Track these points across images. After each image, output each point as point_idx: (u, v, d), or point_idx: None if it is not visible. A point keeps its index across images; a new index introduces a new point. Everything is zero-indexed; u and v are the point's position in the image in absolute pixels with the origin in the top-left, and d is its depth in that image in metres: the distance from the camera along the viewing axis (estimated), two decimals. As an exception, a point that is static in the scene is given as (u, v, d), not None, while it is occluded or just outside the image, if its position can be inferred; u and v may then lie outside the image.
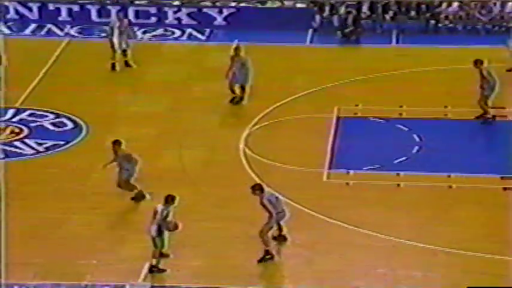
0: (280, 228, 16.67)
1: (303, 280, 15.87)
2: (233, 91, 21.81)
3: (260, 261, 16.14)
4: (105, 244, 16.76)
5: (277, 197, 16.42)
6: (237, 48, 21.77)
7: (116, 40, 23.71)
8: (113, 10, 27.53)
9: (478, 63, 20.75)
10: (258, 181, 18.64)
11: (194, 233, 17.07)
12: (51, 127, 21.44)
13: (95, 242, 16.78)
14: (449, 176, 18.96)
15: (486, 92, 20.75)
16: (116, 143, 18.08)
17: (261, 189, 16.18)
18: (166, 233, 15.94)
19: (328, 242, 16.85)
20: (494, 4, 26.93)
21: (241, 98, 21.81)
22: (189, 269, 16.13)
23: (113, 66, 23.87)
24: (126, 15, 25.68)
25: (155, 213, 15.90)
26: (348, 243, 16.75)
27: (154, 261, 15.93)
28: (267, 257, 16.18)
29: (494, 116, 20.87)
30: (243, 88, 21.83)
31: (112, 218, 17.66)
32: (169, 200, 15.98)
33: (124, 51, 24.01)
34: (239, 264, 16.22)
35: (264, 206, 16.09)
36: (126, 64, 24.07)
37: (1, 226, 15.89)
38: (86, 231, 17.13)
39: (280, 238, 16.71)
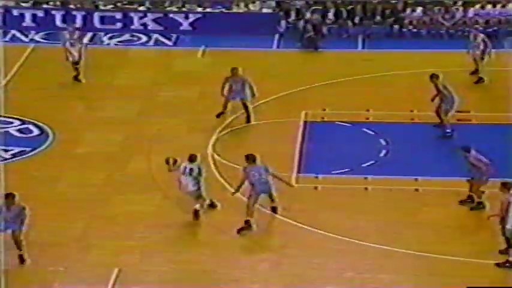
0: (272, 199, 17.57)
1: (271, 284, 15.90)
2: (225, 107, 21.53)
3: (239, 231, 17.06)
4: (72, 251, 16.65)
5: (266, 169, 17.34)
6: (234, 69, 21.42)
7: (70, 52, 23.34)
8: (78, 15, 27.39)
9: (433, 77, 20.71)
10: (226, 186, 18.71)
11: (162, 238, 17.04)
12: (16, 134, 21.26)
13: (62, 249, 16.66)
14: (416, 180, 19.11)
15: (446, 105, 20.65)
16: None
17: (254, 160, 17.32)
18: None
19: (296, 246, 16.90)
20: (457, 9, 27.24)
21: (223, 113, 21.40)
22: (156, 274, 16.08)
23: (76, 78, 23.42)
24: (77, 27, 25.01)
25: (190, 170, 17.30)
26: (316, 247, 16.81)
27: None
28: (245, 226, 17.03)
29: (453, 132, 20.66)
30: (245, 105, 21.26)
31: (79, 224, 17.54)
32: (193, 158, 17.37)
33: (76, 63, 23.44)
34: (208, 269, 16.21)
35: (245, 176, 17.27)
36: (75, 78, 23.43)
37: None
38: (53, 238, 16.99)
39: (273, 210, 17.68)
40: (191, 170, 17.50)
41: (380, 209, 18.13)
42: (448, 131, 20.73)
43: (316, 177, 19.23)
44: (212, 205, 17.87)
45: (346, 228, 17.30)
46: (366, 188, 18.85)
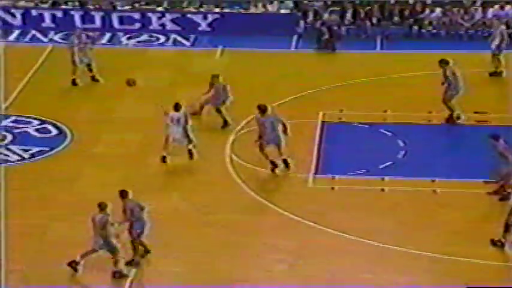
0: (280, 152, 18.89)
1: (287, 285, 15.88)
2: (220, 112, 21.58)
3: (273, 170, 18.82)
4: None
5: (277, 119, 18.85)
6: (214, 76, 21.45)
7: (76, 56, 23.45)
8: (97, 16, 27.52)
9: (443, 63, 21.10)
10: (243, 186, 18.73)
11: (178, 238, 17.07)
12: (35, 133, 21.38)
13: (81, 248, 16.70)
14: (433, 181, 19.03)
15: (451, 91, 21.03)
16: None
17: (264, 111, 18.72)
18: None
19: (312, 248, 16.87)
20: (476, 10, 27.11)
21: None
22: (172, 274, 16.11)
23: (73, 82, 23.49)
24: (85, 29, 24.95)
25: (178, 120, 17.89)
26: (332, 248, 16.77)
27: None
28: (271, 167, 18.83)
29: (458, 117, 21.16)
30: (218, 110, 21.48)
31: (97, 224, 17.58)
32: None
33: (88, 66, 23.54)
34: (224, 270, 16.21)
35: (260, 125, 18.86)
36: (93, 79, 23.61)
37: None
38: (70, 238, 17.05)
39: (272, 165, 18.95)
40: (178, 119, 19.09)
41: (397, 210, 18.07)
42: (455, 113, 20.94)
43: (333, 178, 19.20)
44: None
45: (363, 229, 17.25)
46: (383, 189, 18.79)
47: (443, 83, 21.15)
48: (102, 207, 15.90)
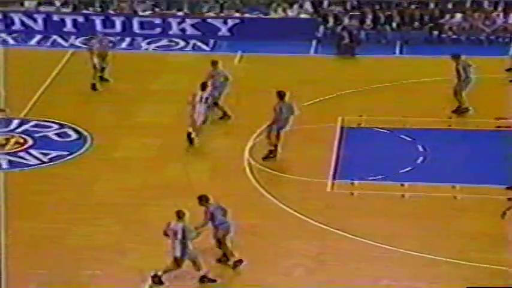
0: (278, 138, 19.78)
1: (307, 291, 15.85)
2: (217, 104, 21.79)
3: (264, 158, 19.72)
4: (108, 255, 16.75)
5: (291, 107, 19.93)
6: (213, 63, 21.95)
7: (96, 60, 23.54)
8: (117, 21, 27.64)
9: (454, 57, 21.71)
10: (262, 191, 18.71)
11: (196, 243, 17.01)
12: (55, 138, 21.48)
13: (98, 252, 16.77)
14: (453, 187, 18.92)
15: (460, 84, 21.56)
16: None
17: (282, 97, 19.81)
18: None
19: (331, 252, 16.82)
20: (498, 15, 26.96)
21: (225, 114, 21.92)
22: (192, 278, 16.08)
23: (93, 86, 23.58)
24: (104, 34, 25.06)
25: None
26: (351, 253, 16.71)
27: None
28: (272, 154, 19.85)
29: (467, 108, 21.64)
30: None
31: (115, 228, 17.64)
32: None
33: (102, 69, 23.66)
34: (242, 274, 16.19)
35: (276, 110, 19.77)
36: (101, 79, 23.66)
37: (0, 237, 15.92)
38: (89, 242, 17.11)
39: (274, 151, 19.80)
40: (206, 98, 20.25)
41: (417, 216, 17.98)
42: (463, 106, 21.43)
43: (352, 183, 19.14)
44: None
45: (382, 234, 17.18)
46: (403, 195, 18.71)
47: (458, 79, 21.61)
48: (180, 215, 15.59)
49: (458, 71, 21.46)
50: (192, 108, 20.45)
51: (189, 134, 20.53)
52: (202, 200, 16.21)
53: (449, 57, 21.86)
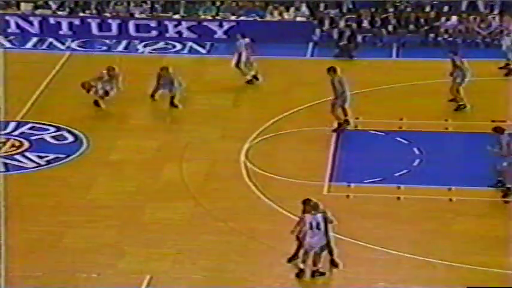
0: (345, 113, 20.93)
1: (303, 293, 15.86)
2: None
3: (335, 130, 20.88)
4: (105, 258, 16.75)
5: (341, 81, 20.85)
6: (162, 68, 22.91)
7: (242, 66, 23.59)
8: (114, 24, 27.64)
9: (451, 52, 22.10)
10: (259, 194, 18.73)
11: (194, 246, 17.07)
12: (51, 140, 21.47)
13: (95, 255, 16.77)
14: (449, 189, 18.95)
15: (458, 80, 21.83)
16: None
17: (335, 71, 20.72)
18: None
19: (327, 255, 16.79)
20: (494, 18, 27.02)
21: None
22: (188, 281, 16.11)
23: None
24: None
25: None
26: (348, 256, 16.70)
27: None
28: (342, 127, 20.89)
29: (465, 105, 21.96)
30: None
31: (111, 231, 17.64)
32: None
33: (106, 92, 22.85)
34: (240, 278, 16.20)
35: (333, 85, 20.81)
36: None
37: (0, 239, 15.91)
38: (86, 245, 17.11)
39: (345, 123, 20.93)
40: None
41: (413, 218, 18.00)
42: (461, 103, 21.85)
43: (349, 185, 19.16)
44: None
45: (378, 237, 17.20)
46: (399, 198, 18.73)
47: (451, 74, 21.90)
48: (315, 206, 15.62)
49: (456, 66, 21.78)
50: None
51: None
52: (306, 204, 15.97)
53: (448, 53, 22.30)
